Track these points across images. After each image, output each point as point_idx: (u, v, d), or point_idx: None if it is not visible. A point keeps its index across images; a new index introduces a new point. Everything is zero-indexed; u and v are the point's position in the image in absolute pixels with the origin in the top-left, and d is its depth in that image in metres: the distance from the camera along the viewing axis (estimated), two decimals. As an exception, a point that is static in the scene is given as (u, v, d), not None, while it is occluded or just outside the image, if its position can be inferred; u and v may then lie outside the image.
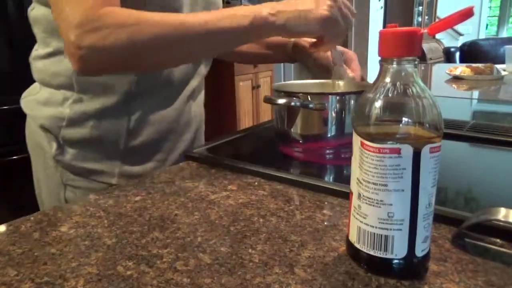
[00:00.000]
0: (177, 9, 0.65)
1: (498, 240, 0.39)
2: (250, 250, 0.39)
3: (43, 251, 0.39)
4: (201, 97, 0.83)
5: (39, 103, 0.70)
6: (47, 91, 0.69)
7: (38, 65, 0.69)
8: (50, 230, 0.44)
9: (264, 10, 0.57)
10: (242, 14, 0.57)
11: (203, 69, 0.79)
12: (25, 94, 0.75)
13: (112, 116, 0.67)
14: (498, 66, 1.57)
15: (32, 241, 0.41)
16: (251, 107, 3.15)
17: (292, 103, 0.63)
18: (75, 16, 0.51)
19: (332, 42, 0.64)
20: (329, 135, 0.64)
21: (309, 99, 0.62)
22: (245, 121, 3.09)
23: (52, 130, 0.68)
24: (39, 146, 0.71)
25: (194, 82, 0.76)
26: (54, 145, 0.68)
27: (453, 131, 0.74)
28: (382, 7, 3.79)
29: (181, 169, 0.62)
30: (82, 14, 0.51)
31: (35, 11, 0.66)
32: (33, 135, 0.72)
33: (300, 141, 0.66)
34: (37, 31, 0.68)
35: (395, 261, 0.33)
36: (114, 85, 0.66)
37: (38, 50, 0.70)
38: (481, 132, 0.73)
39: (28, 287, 0.34)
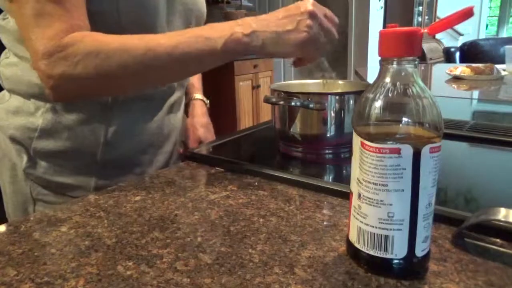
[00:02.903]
0: (152, 14, 0.63)
1: (498, 240, 0.39)
2: (250, 250, 0.39)
3: (43, 251, 0.39)
4: (181, 108, 0.81)
5: (9, 112, 0.65)
6: (17, 99, 0.65)
7: (6, 73, 0.66)
8: (50, 230, 0.44)
9: (237, 29, 0.54)
10: (214, 36, 0.54)
11: (184, 82, 0.78)
12: None
13: (89, 127, 0.64)
14: (498, 66, 1.57)
15: (32, 241, 0.41)
16: (251, 107, 3.15)
17: (292, 103, 0.63)
18: (40, 45, 0.51)
19: (313, 59, 0.60)
20: (328, 135, 0.64)
21: (309, 99, 0.62)
22: (245, 121, 3.09)
23: (22, 141, 0.64)
24: (7, 158, 0.67)
25: (175, 95, 0.75)
26: (25, 157, 0.64)
27: (453, 131, 0.74)
28: (382, 7, 3.79)
29: (181, 169, 0.62)
30: (47, 43, 0.51)
31: (6, 21, 0.63)
32: (0, 146, 0.68)
33: (300, 141, 0.66)
34: (5, 38, 0.65)
35: (395, 261, 0.33)
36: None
37: (6, 57, 0.67)
38: (481, 132, 0.73)
39: (28, 287, 0.34)
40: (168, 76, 0.59)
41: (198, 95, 0.90)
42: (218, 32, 0.54)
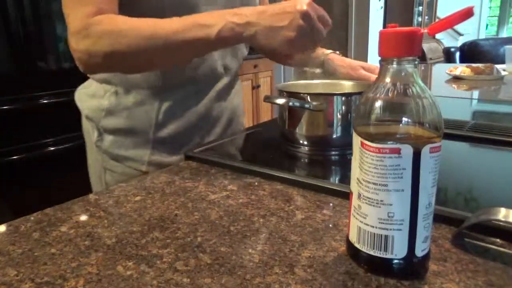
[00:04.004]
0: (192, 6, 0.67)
1: (498, 240, 0.39)
2: (250, 250, 0.39)
3: (43, 251, 0.39)
4: (233, 93, 0.86)
5: (88, 96, 0.79)
6: (95, 84, 0.78)
7: None
8: (50, 230, 0.44)
9: (232, 19, 0.57)
10: (211, 24, 0.57)
11: (233, 67, 0.83)
12: (79, 87, 0.83)
13: (143, 108, 0.74)
14: (498, 66, 1.56)
15: (32, 241, 0.41)
16: (251, 107, 3.15)
17: (291, 103, 0.63)
18: (72, 25, 0.60)
19: (298, 54, 0.64)
20: (329, 135, 0.64)
21: (309, 99, 0.62)
22: (245, 121, 3.09)
23: (94, 119, 0.77)
24: (87, 133, 0.81)
25: (223, 80, 0.81)
26: (96, 133, 0.78)
27: (453, 131, 0.74)
28: (382, 7, 3.79)
29: (181, 169, 0.62)
30: (77, 23, 0.60)
31: None
32: (84, 123, 0.82)
33: (302, 141, 0.66)
34: None
35: (395, 261, 0.33)
36: (142, 80, 0.73)
37: None
38: (481, 132, 0.73)
39: (28, 287, 0.34)
40: (169, 58, 0.63)
41: (327, 51, 0.88)
42: (215, 20, 0.57)
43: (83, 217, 0.47)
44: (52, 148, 2.16)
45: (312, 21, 0.57)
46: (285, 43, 0.56)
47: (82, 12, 0.60)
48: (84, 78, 0.81)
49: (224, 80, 0.81)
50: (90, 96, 0.79)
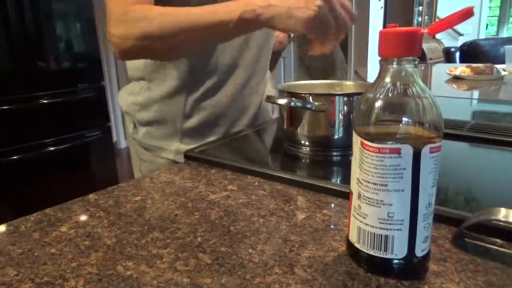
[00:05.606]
0: None
1: (498, 240, 0.39)
2: (250, 250, 0.39)
3: (43, 251, 0.39)
4: (261, 86, 0.88)
5: (127, 94, 0.86)
6: (133, 84, 0.85)
7: (127, 64, 0.85)
8: (50, 230, 0.44)
9: (256, 2, 0.58)
10: (235, 7, 0.59)
11: (258, 59, 0.83)
12: (122, 88, 0.90)
13: (172, 101, 0.79)
14: (498, 66, 1.56)
15: (32, 241, 0.41)
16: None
17: (292, 104, 0.63)
18: (112, 12, 0.65)
19: (320, 42, 0.62)
20: (331, 136, 0.64)
21: (310, 99, 0.62)
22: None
23: (130, 113, 0.85)
24: (127, 127, 0.89)
25: (247, 72, 0.83)
26: (132, 126, 0.86)
27: (453, 131, 0.74)
28: (382, 7, 3.78)
29: (181, 169, 0.62)
30: (116, 11, 0.64)
31: None
32: (125, 120, 0.90)
33: (303, 142, 0.66)
34: None
35: (395, 261, 0.33)
36: (171, 74, 0.77)
37: None
38: (481, 132, 0.73)
39: (28, 287, 0.34)
40: (196, 40, 0.65)
41: None
42: (241, 4, 0.59)
43: (83, 217, 0.47)
44: (52, 148, 2.16)
45: (332, 3, 0.57)
46: (302, 22, 0.56)
47: (122, 3, 0.64)
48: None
49: (248, 71, 0.83)
50: (128, 94, 0.86)
